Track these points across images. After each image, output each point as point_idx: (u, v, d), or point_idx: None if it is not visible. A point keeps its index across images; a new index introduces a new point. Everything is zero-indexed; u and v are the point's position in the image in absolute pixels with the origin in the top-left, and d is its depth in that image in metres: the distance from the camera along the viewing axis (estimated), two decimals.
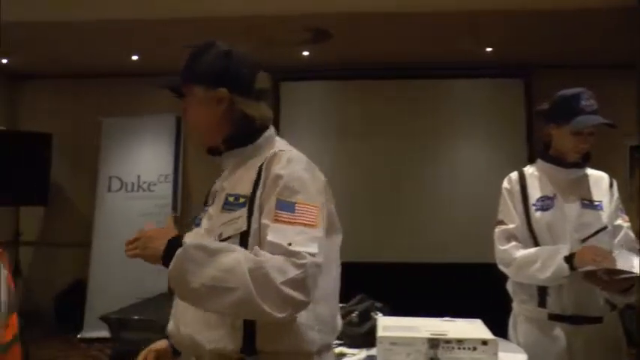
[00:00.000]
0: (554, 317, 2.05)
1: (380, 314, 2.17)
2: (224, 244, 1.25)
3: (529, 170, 2.22)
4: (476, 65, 5.69)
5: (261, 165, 1.32)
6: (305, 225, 1.22)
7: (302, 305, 1.17)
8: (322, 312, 1.31)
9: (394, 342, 1.64)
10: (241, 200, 1.30)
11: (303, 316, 1.26)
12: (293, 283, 1.14)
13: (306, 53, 5.40)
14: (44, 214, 6.15)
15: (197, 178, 5.77)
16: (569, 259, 1.95)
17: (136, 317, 2.66)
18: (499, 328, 2.22)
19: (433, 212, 5.62)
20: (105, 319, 2.69)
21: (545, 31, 4.83)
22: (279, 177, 1.26)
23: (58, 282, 5.84)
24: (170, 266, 1.21)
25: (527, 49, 5.33)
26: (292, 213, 1.22)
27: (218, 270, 1.17)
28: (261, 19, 4.49)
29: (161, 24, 4.68)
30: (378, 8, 4.36)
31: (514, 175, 2.23)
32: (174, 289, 1.24)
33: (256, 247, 1.22)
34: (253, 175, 1.32)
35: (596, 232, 2.07)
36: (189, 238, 1.29)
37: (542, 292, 2.07)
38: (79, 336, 5.34)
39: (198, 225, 1.41)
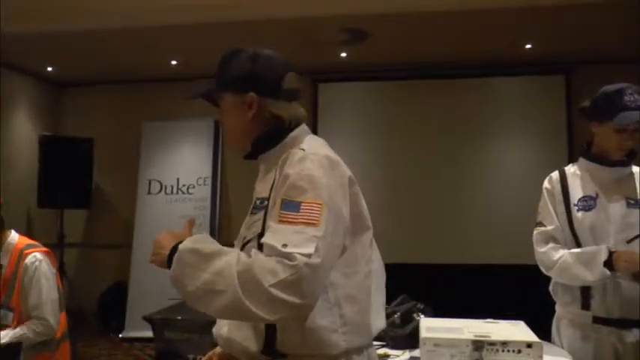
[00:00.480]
0: (599, 320, 1.98)
1: (422, 315, 2.15)
2: (219, 247, 1.23)
3: (571, 169, 2.15)
4: (515, 63, 5.60)
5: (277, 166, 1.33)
6: (306, 224, 1.17)
7: (297, 308, 1.12)
8: (347, 313, 1.27)
9: (438, 343, 1.62)
10: (265, 203, 1.30)
11: (324, 319, 1.24)
12: (283, 285, 1.10)
13: (343, 55, 5.40)
14: (87, 217, 6.32)
15: (235, 181, 5.84)
16: (609, 261, 1.89)
17: (178, 317, 2.70)
18: (542, 330, 2.17)
19: (474, 213, 5.55)
20: (148, 319, 2.75)
21: (585, 24, 4.71)
22: (287, 177, 1.25)
23: (100, 283, 5.99)
24: (170, 271, 1.23)
25: (566, 45, 5.20)
26: (297, 212, 1.19)
27: (210, 273, 1.16)
28: (299, 20, 4.52)
29: (200, 28, 4.75)
30: (414, 8, 4.33)
31: (555, 174, 2.16)
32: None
33: (253, 250, 1.21)
34: (272, 177, 1.32)
35: None
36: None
37: (585, 294, 2.00)
38: (120, 335, 5.46)
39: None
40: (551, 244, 2.07)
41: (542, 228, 2.10)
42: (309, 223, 1.17)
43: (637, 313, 1.93)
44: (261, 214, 1.30)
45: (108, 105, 6.38)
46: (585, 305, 1.99)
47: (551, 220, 2.08)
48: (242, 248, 1.30)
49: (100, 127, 6.19)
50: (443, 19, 4.58)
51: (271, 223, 1.21)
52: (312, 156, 1.27)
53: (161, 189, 5.97)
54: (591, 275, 1.92)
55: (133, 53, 5.40)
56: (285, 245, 1.14)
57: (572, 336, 2.06)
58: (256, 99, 1.37)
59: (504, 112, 5.72)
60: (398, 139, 5.67)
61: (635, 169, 2.12)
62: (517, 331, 1.79)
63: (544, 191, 2.15)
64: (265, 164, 1.39)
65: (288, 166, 1.26)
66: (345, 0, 4.23)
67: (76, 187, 5.79)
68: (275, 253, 1.14)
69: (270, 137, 1.37)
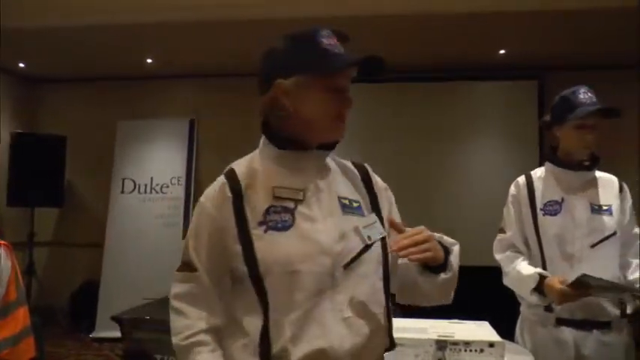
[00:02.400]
0: (563, 322, 2.03)
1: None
2: None
3: (537, 173, 2.19)
4: (489, 67, 5.68)
5: (358, 175, 1.38)
6: None
7: None
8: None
9: (402, 343, 1.65)
10: (355, 204, 1.30)
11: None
12: None
13: None
14: (59, 215, 6.23)
15: (210, 180, 5.71)
16: (539, 287, 1.96)
17: (147, 317, 2.68)
18: (508, 331, 2.22)
19: (445, 214, 5.61)
20: (116, 319, 2.72)
21: (559, 32, 4.81)
22: (386, 188, 1.42)
23: (71, 282, 5.91)
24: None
25: (540, 51, 5.30)
26: None
27: None
28: (279, 22, 4.52)
29: (176, 27, 4.72)
30: (391, 11, 4.37)
31: (521, 179, 2.20)
32: None
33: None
34: (349, 182, 1.35)
35: (606, 238, 2.03)
36: (294, 241, 1.22)
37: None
38: (91, 335, 5.40)
39: (283, 228, 1.23)
40: (508, 252, 2.14)
41: (502, 235, 2.17)
42: None
43: (598, 315, 2.00)
44: (373, 215, 1.31)
45: (82, 103, 6.30)
46: (549, 307, 2.03)
47: (511, 227, 2.14)
48: (365, 250, 1.25)
49: (73, 125, 6.11)
50: (418, 23, 4.62)
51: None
52: None
53: (135, 188, 5.92)
54: (526, 297, 2.03)
55: (108, 50, 5.34)
56: None
57: (536, 335, 2.10)
58: None
59: (479, 115, 5.79)
60: (373, 141, 5.70)
61: (598, 174, 2.16)
62: (480, 331, 1.83)
63: (509, 197, 2.20)
64: (319, 160, 1.32)
65: (379, 180, 1.42)
66: (325, 2, 4.25)
67: (48, 185, 5.71)
68: None
69: None
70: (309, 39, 1.25)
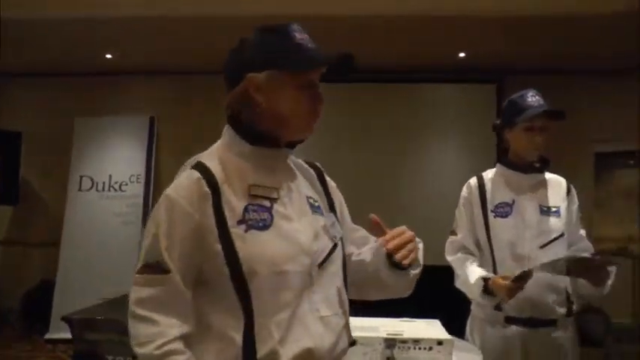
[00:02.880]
0: (511, 320, 2.08)
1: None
2: None
3: (488, 175, 2.23)
4: (449, 70, 5.77)
5: (314, 175, 1.38)
6: None
7: None
8: None
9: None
10: (316, 204, 1.30)
11: None
12: None
13: None
14: (13, 213, 6.06)
15: (169, 179, 5.50)
16: (487, 288, 2.02)
17: (98, 317, 2.63)
18: (460, 329, 2.26)
19: (403, 214, 5.66)
20: (67, 319, 2.66)
21: (518, 37, 4.92)
22: (335, 188, 1.43)
23: (25, 282, 5.75)
24: None
25: (499, 55, 5.41)
26: None
27: None
28: (238, 19, 4.49)
29: (137, 22, 4.64)
30: (352, 12, 4.39)
31: (473, 181, 2.23)
32: None
33: None
34: (307, 181, 1.34)
35: (555, 239, 2.08)
36: (279, 240, 1.20)
37: None
38: (45, 337, 5.27)
39: (264, 227, 1.19)
40: (459, 254, 2.17)
41: (454, 237, 2.21)
42: None
43: (545, 314, 2.06)
44: (331, 215, 1.33)
45: (38, 98, 6.13)
46: (498, 306, 2.08)
47: (463, 229, 2.18)
48: (334, 248, 1.27)
49: (29, 121, 5.95)
50: (379, 25, 4.66)
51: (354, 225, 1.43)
52: None
53: (93, 186, 5.82)
54: (479, 300, 2.08)
55: (66, 45, 5.21)
56: None
57: (486, 333, 2.15)
58: None
59: (439, 117, 5.87)
60: (333, 141, 5.70)
61: (547, 176, 2.20)
62: (430, 329, 1.86)
63: (461, 199, 2.23)
64: (285, 158, 1.30)
65: (329, 179, 1.41)
66: (286, 1, 4.24)
67: (2, 183, 5.55)
68: None
69: None
70: (283, 33, 1.22)
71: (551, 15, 4.40)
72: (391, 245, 1.24)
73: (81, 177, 5.82)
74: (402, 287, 1.34)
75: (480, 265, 2.14)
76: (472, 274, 2.08)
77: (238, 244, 1.16)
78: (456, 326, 2.17)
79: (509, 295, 1.96)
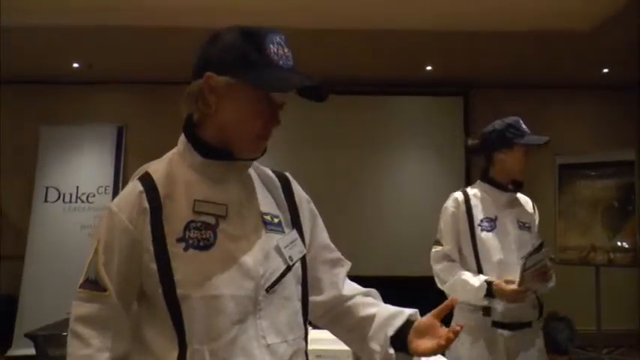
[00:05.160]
0: (496, 324, 2.26)
1: (310, 327, 2.18)
2: None
3: (472, 191, 2.40)
4: (417, 82, 5.87)
5: (279, 186, 1.27)
6: None
7: None
8: None
9: (320, 355, 1.67)
10: (276, 220, 1.21)
11: None
12: None
13: None
14: None
15: None
16: (489, 291, 2.20)
17: (63, 333, 2.57)
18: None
19: (373, 225, 5.72)
20: (30, 336, 2.59)
21: (483, 51, 5.04)
22: (308, 200, 1.33)
23: None
24: None
25: (465, 68, 5.53)
26: None
27: None
28: (207, 30, 4.49)
29: (105, 31, 4.59)
30: (322, 25, 4.44)
31: (460, 196, 2.38)
32: None
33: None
34: (269, 194, 1.24)
35: (533, 250, 2.27)
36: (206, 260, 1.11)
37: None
38: (7, 354, 5.12)
39: (205, 247, 1.11)
40: (445, 262, 2.32)
41: (440, 247, 2.35)
42: None
43: (523, 317, 2.28)
44: (294, 233, 1.22)
45: (2, 106, 5.99)
46: (486, 312, 2.26)
47: (449, 241, 2.33)
48: (287, 271, 1.17)
49: None
50: (348, 38, 4.72)
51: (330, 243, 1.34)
52: None
53: (59, 197, 5.70)
54: (475, 302, 2.24)
55: (32, 52, 5.11)
56: None
57: (471, 339, 2.29)
58: None
59: (407, 129, 5.95)
60: (301, 153, 5.72)
61: (518, 195, 2.43)
62: None
63: (447, 212, 2.36)
64: (242, 171, 1.21)
65: (300, 191, 1.32)
66: (258, 13, 4.25)
67: None
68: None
69: None
70: (258, 41, 1.12)
71: (515, 31, 4.53)
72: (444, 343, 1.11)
73: (47, 188, 5.70)
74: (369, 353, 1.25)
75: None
76: (473, 278, 2.24)
77: (174, 264, 1.08)
78: None
79: (514, 300, 2.16)
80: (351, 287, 1.32)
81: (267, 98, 1.14)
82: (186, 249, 1.10)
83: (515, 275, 2.15)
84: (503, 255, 2.27)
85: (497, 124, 2.33)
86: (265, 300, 1.13)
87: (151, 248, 1.10)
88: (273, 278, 1.14)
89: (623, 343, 5.33)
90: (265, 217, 1.19)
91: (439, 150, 5.90)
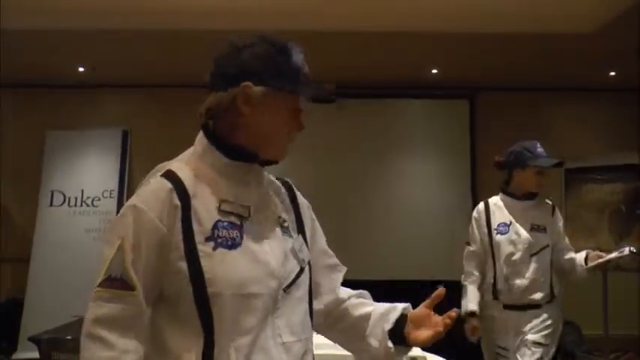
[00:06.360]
0: (507, 307, 2.81)
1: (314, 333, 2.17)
2: None
3: (492, 201, 2.95)
4: (422, 86, 5.85)
5: (284, 192, 1.30)
6: None
7: None
8: None
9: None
10: (286, 225, 1.24)
11: None
12: None
13: None
14: None
15: None
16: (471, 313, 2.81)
17: (67, 337, 2.57)
18: (433, 345, 2.27)
19: (378, 229, 5.69)
20: (34, 339, 2.59)
21: (489, 54, 5.02)
22: (309, 207, 1.36)
23: None
24: None
25: (471, 71, 5.51)
26: None
27: None
28: (209, 33, 4.48)
29: (111, 35, 4.60)
30: (325, 27, 4.43)
31: (481, 206, 2.96)
32: None
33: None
34: (279, 200, 1.27)
35: (541, 249, 2.81)
36: (244, 261, 1.14)
37: (495, 290, 2.84)
38: (12, 357, 5.12)
39: (232, 246, 1.13)
40: (471, 266, 2.90)
41: (469, 247, 2.95)
42: None
43: (532, 300, 2.79)
44: (300, 237, 1.26)
45: (8, 110, 6.01)
46: (496, 297, 2.84)
47: (475, 243, 2.93)
48: (301, 272, 1.21)
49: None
50: (353, 41, 4.71)
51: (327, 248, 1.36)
52: None
53: (64, 201, 5.71)
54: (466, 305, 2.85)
55: (38, 57, 5.13)
56: None
57: (483, 314, 2.85)
58: None
59: (412, 132, 5.94)
60: (306, 158, 5.69)
61: (539, 201, 2.90)
62: None
63: (473, 219, 2.96)
64: (259, 175, 1.24)
65: (301, 197, 1.34)
66: (264, 15, 4.25)
67: None
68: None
69: None
70: (286, 52, 1.20)
71: (520, 34, 4.50)
72: (443, 326, 1.20)
73: (52, 192, 5.71)
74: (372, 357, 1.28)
75: (484, 270, 2.90)
76: (471, 300, 2.84)
77: (205, 263, 1.09)
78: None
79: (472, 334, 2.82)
80: (344, 290, 1.36)
81: (297, 105, 1.21)
82: (215, 248, 1.11)
83: (522, 272, 2.77)
84: (514, 253, 2.78)
85: (517, 145, 2.84)
86: (283, 300, 1.16)
87: (181, 246, 1.10)
88: (291, 279, 1.18)
89: (630, 347, 5.28)
90: (280, 220, 1.23)
91: (445, 153, 5.87)
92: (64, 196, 5.72)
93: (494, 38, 4.64)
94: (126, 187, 5.74)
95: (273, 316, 1.14)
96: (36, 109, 5.95)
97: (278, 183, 1.32)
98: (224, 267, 1.10)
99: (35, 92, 5.93)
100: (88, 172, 5.76)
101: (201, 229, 1.11)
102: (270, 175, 1.30)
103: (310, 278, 1.25)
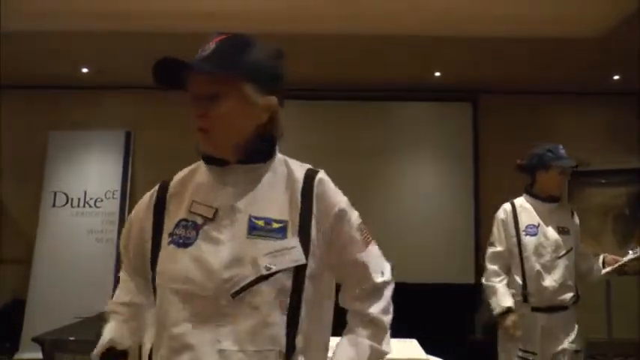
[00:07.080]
0: (535, 309, 2.83)
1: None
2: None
3: (518, 202, 2.95)
4: (425, 89, 5.84)
5: (299, 188, 1.24)
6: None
7: None
8: None
9: None
10: (276, 226, 1.18)
11: None
12: None
13: None
14: None
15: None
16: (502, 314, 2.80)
17: (70, 338, 2.57)
18: (436, 348, 2.26)
19: (381, 232, 5.67)
20: (38, 340, 2.59)
21: (492, 57, 5.01)
22: (341, 210, 1.31)
23: None
24: None
25: (474, 75, 5.50)
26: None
27: None
28: (201, 35, 4.49)
29: (114, 36, 4.61)
30: (329, 30, 4.43)
31: (508, 207, 2.95)
32: None
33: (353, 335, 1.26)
34: (286, 198, 1.22)
35: (567, 252, 2.86)
36: (172, 260, 1.20)
37: (524, 292, 2.84)
38: (14, 358, 5.13)
39: (184, 244, 1.18)
40: (496, 266, 2.90)
41: (494, 248, 2.94)
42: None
43: (561, 303, 2.83)
44: (292, 240, 1.17)
45: (10, 111, 6.02)
46: (525, 299, 2.85)
47: (501, 243, 2.92)
48: (264, 277, 1.13)
49: (2, 135, 5.83)
50: (356, 44, 4.71)
51: (358, 255, 1.29)
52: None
53: (67, 202, 5.72)
54: (492, 306, 2.87)
55: (41, 58, 5.14)
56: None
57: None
58: (276, 105, 1.24)
59: (415, 135, 5.92)
60: (308, 159, 5.70)
61: (560, 204, 2.96)
62: (405, 349, 1.86)
63: (499, 219, 2.95)
64: (244, 178, 1.21)
65: (329, 195, 1.30)
66: (265, 19, 4.25)
67: None
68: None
69: (267, 150, 1.25)
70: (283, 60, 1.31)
71: (524, 37, 4.50)
72: None
73: (55, 192, 5.72)
74: None
75: (510, 271, 2.90)
76: (504, 295, 2.83)
77: (160, 254, 1.21)
78: (432, 346, 2.17)
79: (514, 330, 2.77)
80: (359, 319, 1.30)
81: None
82: (169, 244, 1.20)
83: (548, 272, 2.81)
84: (543, 254, 2.82)
85: (540, 147, 2.88)
86: (230, 305, 1.13)
87: (151, 235, 1.25)
88: (240, 285, 1.13)
89: (634, 352, 5.26)
90: (256, 221, 1.17)
91: (448, 156, 5.86)
92: (67, 196, 5.73)
93: (497, 42, 4.63)
94: (129, 188, 5.74)
95: (217, 320, 1.13)
96: (39, 110, 5.96)
97: (299, 176, 1.27)
98: (168, 262, 1.18)
99: (39, 93, 5.94)
100: (90, 173, 5.77)
101: (168, 225, 1.22)
102: (301, 167, 1.30)
103: (299, 286, 1.16)
